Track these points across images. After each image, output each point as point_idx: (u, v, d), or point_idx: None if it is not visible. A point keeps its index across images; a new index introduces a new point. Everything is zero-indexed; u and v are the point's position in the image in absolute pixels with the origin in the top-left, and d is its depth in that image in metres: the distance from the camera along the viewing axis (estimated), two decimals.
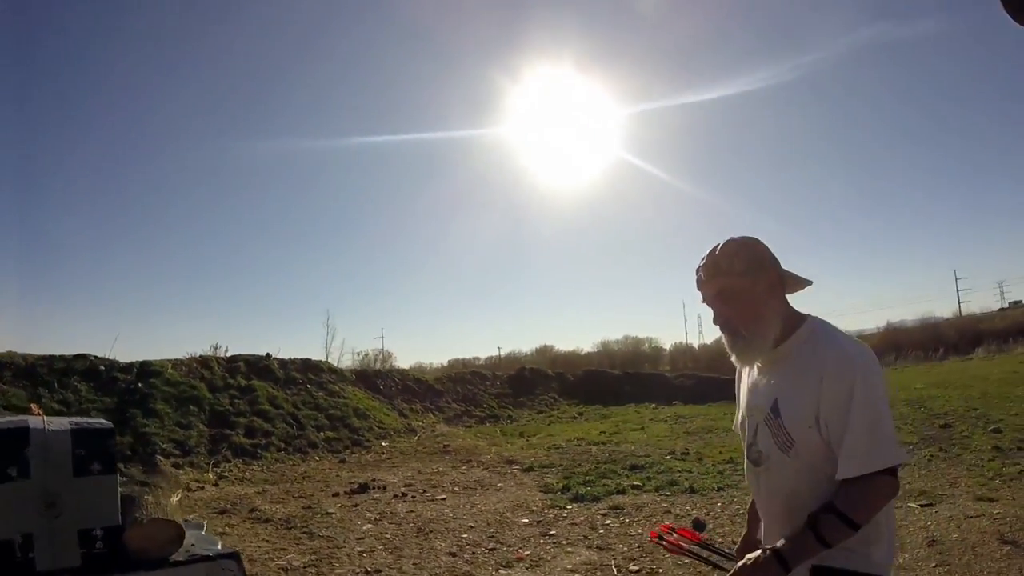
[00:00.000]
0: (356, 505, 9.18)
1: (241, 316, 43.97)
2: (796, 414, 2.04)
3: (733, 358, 2.26)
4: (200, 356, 16.60)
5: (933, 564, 5.72)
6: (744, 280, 2.14)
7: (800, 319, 2.16)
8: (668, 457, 11.68)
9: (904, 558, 5.86)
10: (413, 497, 9.61)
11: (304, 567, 6.55)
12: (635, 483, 9.65)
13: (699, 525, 7.40)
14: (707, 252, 2.22)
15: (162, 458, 11.50)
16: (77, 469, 2.40)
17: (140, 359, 15.17)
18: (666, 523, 5.17)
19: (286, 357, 17.89)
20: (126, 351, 29.70)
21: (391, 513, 8.61)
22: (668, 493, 9.05)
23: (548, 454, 13.12)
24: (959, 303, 64.24)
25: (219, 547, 2.85)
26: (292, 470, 12.36)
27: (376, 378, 19.47)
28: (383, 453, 14.25)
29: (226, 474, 11.82)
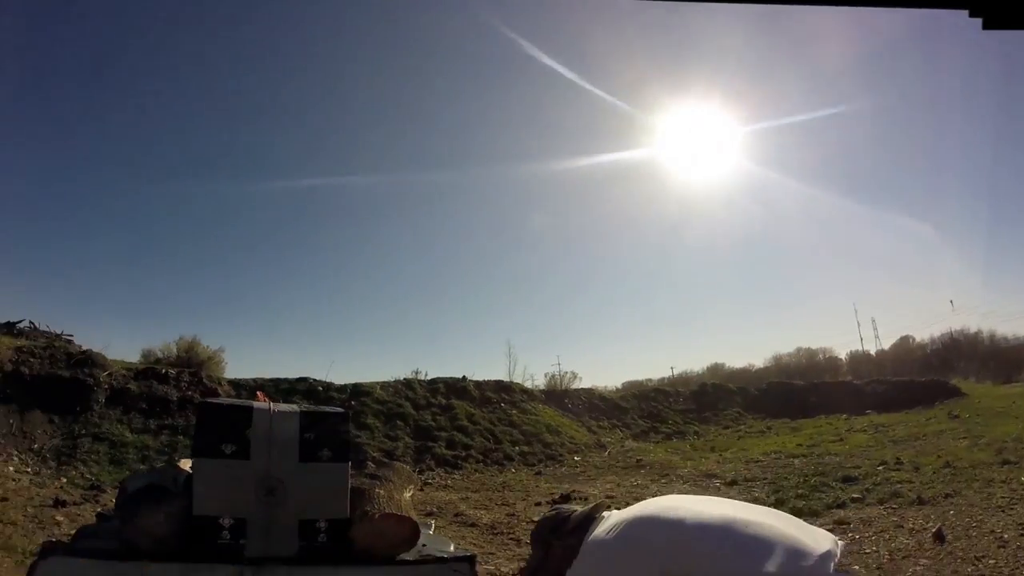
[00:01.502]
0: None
1: (436, 344, 45.54)
2: None
3: None
4: (404, 379, 17.06)
5: None
6: None
7: None
8: (881, 468, 10.39)
9: None
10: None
11: (513, 574, 6.19)
12: (854, 496, 8.58)
13: (940, 537, 6.40)
14: None
15: (373, 465, 11.73)
16: (304, 454, 2.07)
17: (353, 381, 15.94)
18: None
19: (480, 379, 17.99)
20: (340, 374, 31.40)
21: None
22: (895, 505, 7.93)
23: (748, 467, 12.14)
24: None
25: (452, 548, 2.46)
26: (491, 480, 12.20)
27: (564, 397, 19.15)
28: (577, 467, 13.80)
29: (430, 481, 11.88)
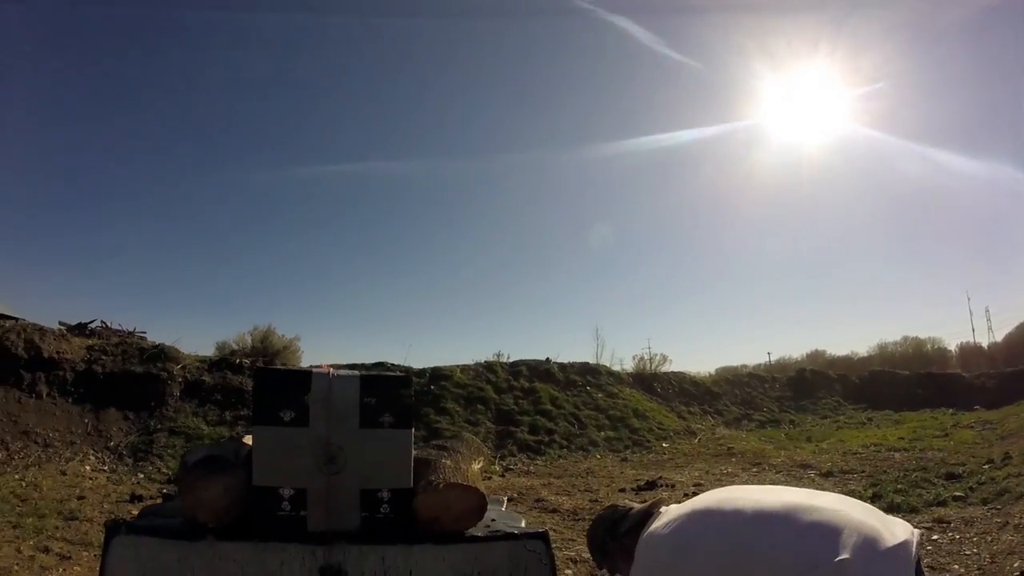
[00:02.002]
0: (644, 501, 8.50)
1: (518, 327, 45.60)
2: None
3: None
4: (486, 362, 17.00)
5: None
6: None
7: None
8: (987, 466, 9.68)
9: None
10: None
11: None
12: (956, 494, 8.01)
13: None
14: None
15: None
16: (365, 420, 1.97)
17: (432, 365, 15.94)
18: None
19: (565, 362, 17.80)
20: (419, 358, 31.81)
21: None
22: (999, 506, 7.33)
23: (845, 459, 11.58)
24: None
25: (523, 524, 2.33)
26: (575, 466, 12.03)
27: (653, 381, 18.75)
28: (664, 453, 13.50)
29: (511, 467, 11.81)
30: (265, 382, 2.02)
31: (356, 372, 2.06)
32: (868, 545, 1.71)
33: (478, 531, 2.09)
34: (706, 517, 1.94)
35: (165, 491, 5.08)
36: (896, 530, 1.80)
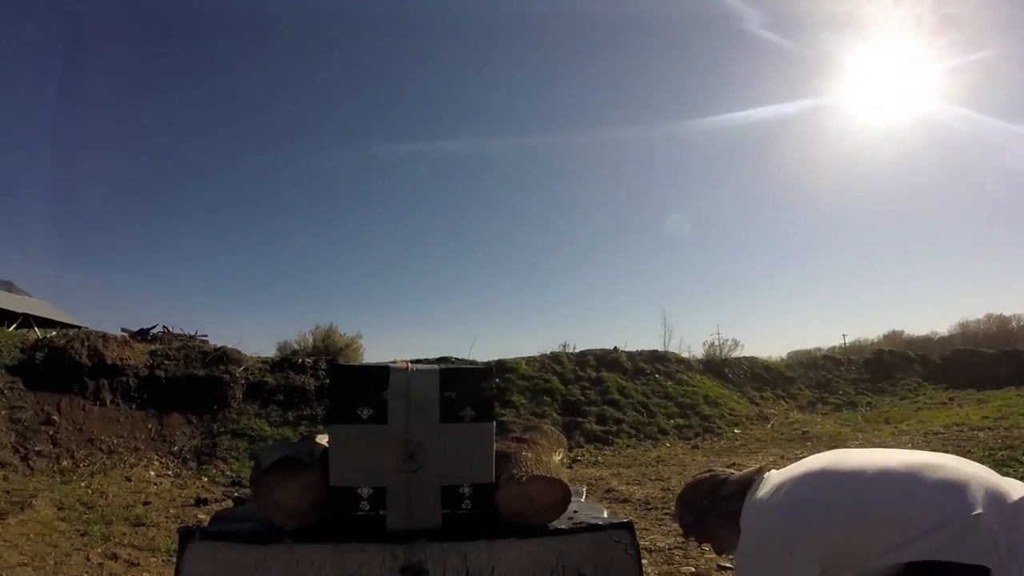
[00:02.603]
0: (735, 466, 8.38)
1: (584, 316, 45.31)
2: None
3: None
4: (551, 353, 16.94)
5: None
6: None
7: None
8: None
9: None
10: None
11: (670, 548, 5.97)
12: None
13: None
14: None
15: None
16: (445, 414, 1.95)
17: (497, 358, 15.92)
18: None
19: (633, 350, 17.61)
20: (483, 351, 31.96)
21: None
22: None
23: (926, 440, 11.20)
24: None
25: (605, 515, 2.30)
26: (644, 455, 11.93)
27: (723, 366, 18.42)
28: (736, 440, 13.27)
29: (579, 458, 11.74)
30: (342, 379, 2.00)
31: (435, 366, 2.04)
32: (996, 500, 1.68)
33: (561, 523, 2.06)
34: (822, 478, 1.90)
35: (235, 495, 5.15)
36: (1015, 485, 1.77)
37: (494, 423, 2.05)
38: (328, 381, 2.31)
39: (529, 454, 2.20)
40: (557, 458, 2.35)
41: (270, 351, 16.76)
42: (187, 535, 1.92)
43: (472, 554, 1.95)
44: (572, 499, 2.20)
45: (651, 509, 7.47)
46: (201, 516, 7.58)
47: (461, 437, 1.98)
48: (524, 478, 1.99)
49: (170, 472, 10.21)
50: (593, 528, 2.06)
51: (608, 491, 8.61)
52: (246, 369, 13.41)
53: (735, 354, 19.78)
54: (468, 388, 2.01)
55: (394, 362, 2.99)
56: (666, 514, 7.15)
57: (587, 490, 8.40)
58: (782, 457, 10.53)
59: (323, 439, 2.46)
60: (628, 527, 2.10)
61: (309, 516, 1.91)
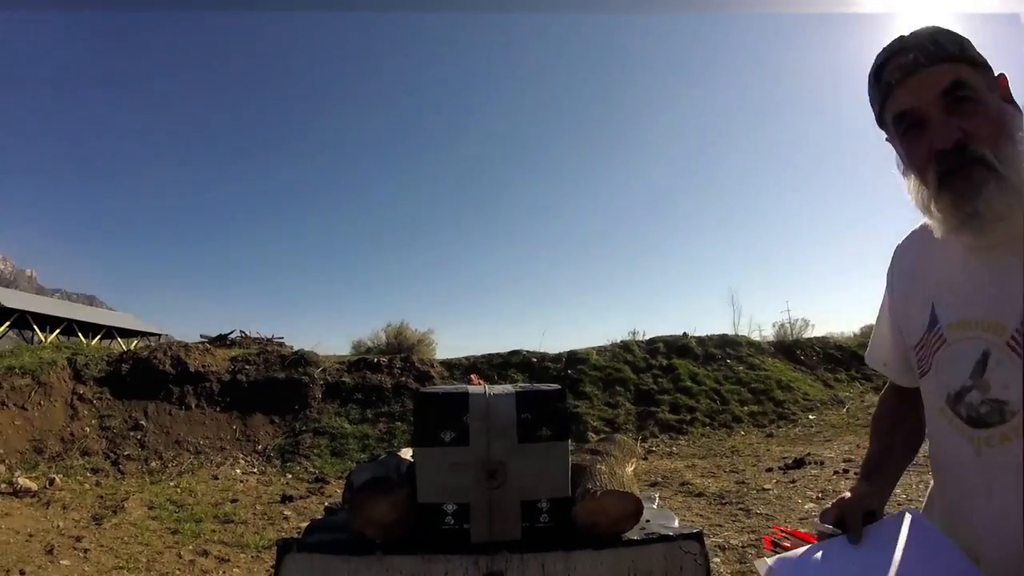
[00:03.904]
0: (793, 481, 8.32)
1: (652, 302, 45.15)
2: None
3: (962, 222, 1.19)
4: (621, 341, 16.92)
5: None
6: (989, 74, 1.22)
7: None
8: None
9: None
10: (856, 474, 8.41)
11: (743, 547, 5.98)
12: None
13: None
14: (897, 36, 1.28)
15: (593, 435, 11.80)
16: (523, 435, 2.09)
17: (567, 349, 16.01)
18: (780, 526, 3.54)
19: (702, 335, 17.43)
20: (553, 343, 32.03)
21: (834, 491, 7.54)
22: None
23: None
24: None
25: (676, 524, 2.41)
26: (719, 444, 11.87)
27: (795, 348, 18.02)
28: (811, 426, 13.05)
29: (654, 449, 11.77)
30: (425, 405, 2.10)
31: (512, 388, 2.17)
32: None
33: (634, 534, 2.18)
34: None
35: (327, 504, 5.41)
36: None
37: (569, 441, 2.18)
38: (412, 407, 2.47)
39: (603, 467, 2.33)
40: (630, 469, 2.47)
41: (345, 350, 17.25)
42: (285, 547, 2.02)
43: (549, 563, 2.08)
44: (645, 507, 2.31)
45: (725, 504, 7.47)
46: (287, 512, 7.87)
47: (538, 455, 2.11)
48: (599, 492, 2.11)
49: (255, 470, 10.66)
50: (664, 539, 2.16)
51: (683, 484, 8.64)
52: (324, 370, 13.91)
53: (806, 334, 19.35)
54: (543, 409, 2.13)
55: (471, 380, 3.14)
56: (740, 509, 7.15)
57: (662, 482, 8.51)
58: (857, 446, 10.35)
59: (406, 452, 2.64)
60: (698, 537, 2.20)
61: (398, 529, 2.04)
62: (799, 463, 9.21)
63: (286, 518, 7.68)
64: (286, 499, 8.53)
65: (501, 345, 17.83)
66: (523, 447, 2.11)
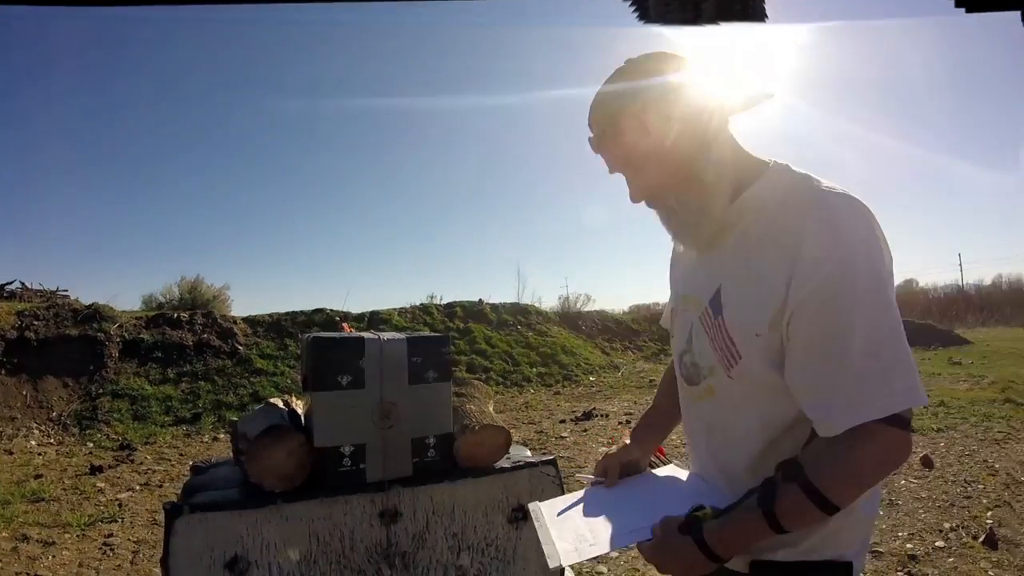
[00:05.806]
0: (585, 430, 9.14)
1: (447, 270, 45.62)
2: (746, 313, 1.27)
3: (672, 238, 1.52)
4: (421, 304, 17.20)
5: None
6: (658, 134, 1.34)
7: (759, 167, 1.35)
8: None
9: None
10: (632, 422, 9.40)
11: None
12: None
13: (928, 463, 6.64)
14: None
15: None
16: (413, 377, 2.28)
17: (370, 310, 16.03)
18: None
19: (496, 302, 18.22)
20: (357, 303, 31.55)
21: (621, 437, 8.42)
22: None
23: None
24: None
25: (529, 454, 2.73)
26: (512, 401, 12.59)
27: (577, 319, 19.44)
28: (592, 387, 14.21)
29: None
30: (323, 350, 2.18)
31: (402, 335, 2.36)
32: None
33: (504, 463, 2.48)
34: None
35: (192, 463, 4.70)
36: None
37: (452, 382, 2.41)
38: (310, 352, 2.40)
39: (472, 406, 2.59)
40: (490, 408, 2.75)
41: (134, 305, 15.94)
42: (175, 510, 1.98)
43: (437, 494, 2.31)
44: None
45: (532, 449, 7.98)
46: (100, 484, 7.04)
47: (426, 396, 2.31)
48: (477, 427, 2.38)
49: (52, 440, 9.44)
50: (529, 465, 2.49)
51: None
52: (120, 326, 12.50)
53: (587, 308, 20.83)
54: (431, 353, 2.33)
55: (342, 328, 3.24)
56: (544, 454, 7.72)
57: None
58: (635, 402, 11.49)
59: (277, 400, 2.72)
60: (553, 463, 2.55)
61: (297, 477, 2.12)
62: (588, 415, 10.09)
63: (100, 491, 6.82)
64: (95, 470, 7.64)
65: (304, 303, 17.38)
66: (413, 388, 2.31)
